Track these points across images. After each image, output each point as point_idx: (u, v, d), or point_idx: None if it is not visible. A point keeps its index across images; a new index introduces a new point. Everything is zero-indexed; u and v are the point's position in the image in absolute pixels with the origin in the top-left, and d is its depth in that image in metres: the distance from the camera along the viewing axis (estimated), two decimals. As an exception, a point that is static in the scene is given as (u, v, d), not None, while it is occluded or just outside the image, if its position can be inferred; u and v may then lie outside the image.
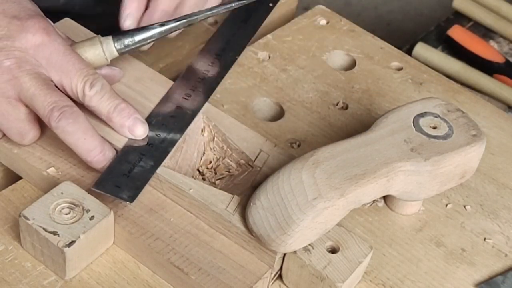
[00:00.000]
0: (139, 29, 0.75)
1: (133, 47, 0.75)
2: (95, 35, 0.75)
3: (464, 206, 0.80)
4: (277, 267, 0.69)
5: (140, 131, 0.72)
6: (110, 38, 0.74)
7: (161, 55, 0.90)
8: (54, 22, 0.76)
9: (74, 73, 0.70)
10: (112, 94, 0.71)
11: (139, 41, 0.75)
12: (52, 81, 0.70)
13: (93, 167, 0.71)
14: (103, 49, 0.73)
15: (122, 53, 0.75)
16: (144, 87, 0.78)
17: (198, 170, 0.75)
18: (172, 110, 0.76)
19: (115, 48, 0.74)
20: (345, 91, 0.91)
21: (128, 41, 0.74)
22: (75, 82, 0.70)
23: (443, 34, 1.25)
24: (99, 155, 0.70)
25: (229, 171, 0.75)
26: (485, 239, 0.78)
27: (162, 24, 0.75)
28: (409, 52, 1.17)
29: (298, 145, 0.83)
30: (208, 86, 0.81)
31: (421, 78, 0.94)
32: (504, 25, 1.25)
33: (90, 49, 0.73)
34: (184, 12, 0.79)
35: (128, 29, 0.77)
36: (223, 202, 0.70)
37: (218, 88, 0.87)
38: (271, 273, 0.69)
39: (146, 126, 0.73)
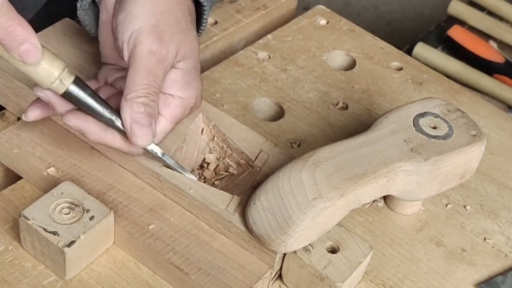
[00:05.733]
0: (104, 105, 0.67)
1: (78, 100, 0.66)
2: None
3: (464, 206, 0.80)
4: (277, 267, 0.69)
5: (34, 58, 0.62)
6: (73, 76, 0.65)
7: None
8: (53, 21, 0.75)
9: None
10: (4, 12, 0.60)
11: (91, 108, 0.66)
12: None
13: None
14: (59, 74, 0.64)
15: (66, 95, 0.65)
16: None
17: (198, 170, 0.75)
18: None
19: (68, 86, 0.65)
20: (345, 91, 0.91)
21: (80, 92, 0.65)
22: None
23: (443, 34, 1.25)
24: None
25: (229, 171, 0.75)
26: (485, 239, 0.78)
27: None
28: (409, 52, 1.17)
29: (298, 145, 0.83)
30: None
31: (421, 78, 0.94)
32: (500, 30, 1.25)
33: (48, 62, 0.63)
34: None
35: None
36: (223, 202, 0.70)
37: (218, 88, 0.87)
38: (271, 273, 0.69)
39: (39, 51, 0.62)
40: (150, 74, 0.67)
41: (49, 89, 0.65)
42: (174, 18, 0.71)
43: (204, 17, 0.77)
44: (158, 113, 0.69)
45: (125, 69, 0.74)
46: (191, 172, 0.73)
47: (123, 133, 0.67)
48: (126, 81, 0.67)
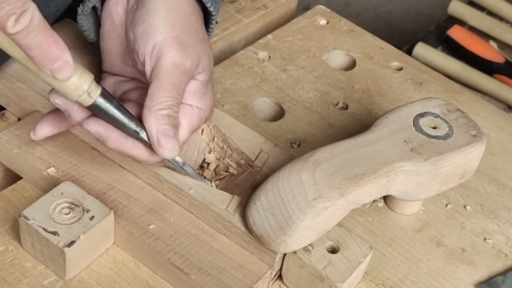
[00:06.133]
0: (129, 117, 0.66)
1: (104, 112, 0.65)
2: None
3: (464, 206, 0.80)
4: (277, 267, 0.69)
5: (65, 74, 0.62)
6: (99, 88, 0.65)
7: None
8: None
9: None
10: (40, 31, 0.59)
11: (117, 120, 0.65)
12: None
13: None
14: (88, 87, 0.64)
15: (93, 108, 0.65)
16: None
17: (198, 170, 0.75)
18: None
19: (95, 98, 0.64)
20: (345, 91, 0.91)
21: (107, 104, 0.65)
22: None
23: (443, 34, 1.25)
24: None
25: (229, 171, 0.75)
26: (485, 239, 0.78)
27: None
28: (409, 52, 1.17)
29: (298, 145, 0.83)
30: None
31: (421, 78, 0.94)
32: (500, 30, 1.25)
33: (78, 76, 0.63)
34: None
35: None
36: (223, 202, 0.70)
37: (218, 88, 0.87)
38: (271, 273, 0.69)
39: (71, 67, 0.62)
40: (174, 87, 0.67)
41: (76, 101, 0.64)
42: (193, 29, 0.70)
43: (211, 26, 0.77)
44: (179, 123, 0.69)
45: (134, 80, 0.74)
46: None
47: (146, 143, 0.67)
48: (149, 93, 0.67)
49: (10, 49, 0.60)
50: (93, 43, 0.78)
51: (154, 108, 0.66)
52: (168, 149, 0.66)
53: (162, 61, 0.67)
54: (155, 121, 0.66)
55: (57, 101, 0.65)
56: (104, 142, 0.66)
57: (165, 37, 0.68)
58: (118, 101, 0.66)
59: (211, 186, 0.72)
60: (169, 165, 0.71)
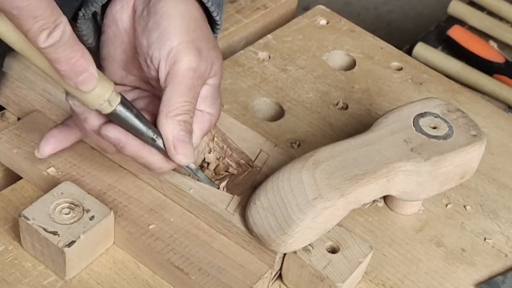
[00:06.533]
0: (144, 121, 0.66)
1: (123, 120, 0.65)
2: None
3: (464, 206, 0.80)
4: (277, 267, 0.69)
5: (90, 86, 0.62)
6: (119, 96, 0.65)
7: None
8: None
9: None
10: (70, 45, 0.59)
11: (135, 127, 0.65)
12: None
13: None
14: (109, 96, 0.64)
15: (112, 115, 0.65)
16: None
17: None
18: None
19: (115, 107, 0.64)
20: (345, 91, 0.91)
21: (126, 113, 0.65)
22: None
23: (443, 34, 1.25)
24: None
25: (229, 171, 0.75)
26: (485, 239, 0.78)
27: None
28: (409, 52, 1.17)
29: (298, 145, 0.83)
30: None
31: (421, 78, 0.94)
32: (500, 30, 1.25)
33: (100, 86, 0.63)
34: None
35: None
36: (223, 202, 0.70)
37: (218, 88, 0.87)
38: (271, 273, 0.69)
39: (95, 80, 0.62)
40: (190, 91, 0.67)
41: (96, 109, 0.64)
42: (205, 35, 0.70)
43: (215, 35, 0.77)
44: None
45: (136, 89, 0.74)
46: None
47: (161, 150, 0.66)
48: (164, 98, 0.66)
49: (35, 59, 0.60)
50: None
51: (170, 114, 0.66)
52: (184, 155, 0.66)
53: (179, 65, 0.67)
54: (171, 127, 0.66)
55: (75, 102, 0.65)
56: (123, 148, 0.66)
57: (181, 41, 0.68)
58: (137, 109, 0.66)
59: (223, 190, 0.71)
60: (181, 171, 0.71)
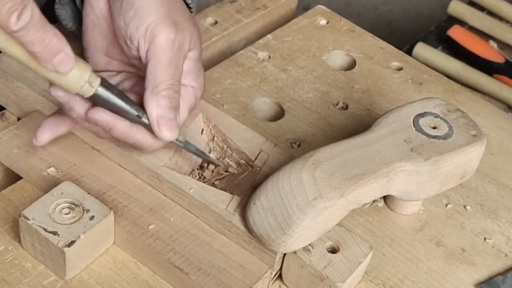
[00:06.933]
0: (125, 99, 0.67)
1: (106, 101, 0.66)
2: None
3: (464, 206, 0.80)
4: (277, 267, 0.69)
5: (67, 66, 0.62)
6: (99, 77, 0.65)
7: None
8: None
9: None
10: (41, 25, 0.60)
11: (119, 107, 0.66)
12: None
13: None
14: (88, 77, 0.64)
15: (94, 98, 0.65)
16: None
17: (198, 170, 0.75)
18: None
19: (96, 88, 0.65)
20: (345, 91, 0.91)
21: (108, 93, 0.65)
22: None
23: (443, 34, 1.25)
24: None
25: (229, 171, 0.75)
26: (485, 239, 0.78)
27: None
28: (409, 52, 1.17)
29: (298, 145, 0.83)
30: None
31: (421, 78, 0.94)
32: (500, 30, 1.25)
33: (78, 67, 0.63)
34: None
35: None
36: (223, 202, 0.70)
37: (218, 88, 0.87)
38: (271, 273, 0.69)
39: (72, 59, 0.62)
40: (172, 64, 0.67)
41: (77, 93, 0.65)
42: (180, 8, 0.71)
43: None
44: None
45: (121, 73, 0.74)
46: (191, 172, 0.73)
47: (148, 127, 0.68)
48: (147, 74, 0.67)
49: (10, 48, 0.60)
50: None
51: (155, 89, 0.66)
52: (168, 131, 0.67)
53: (157, 39, 0.68)
54: (155, 103, 0.66)
55: (59, 93, 0.66)
56: (112, 130, 0.67)
57: (156, 16, 0.68)
58: (118, 89, 0.67)
59: (219, 162, 0.73)
60: (173, 146, 0.71)
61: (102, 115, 0.66)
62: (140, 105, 0.67)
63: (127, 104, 0.67)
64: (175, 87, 0.68)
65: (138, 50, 0.69)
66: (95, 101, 0.66)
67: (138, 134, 0.68)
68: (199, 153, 0.73)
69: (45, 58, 0.61)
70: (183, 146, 0.71)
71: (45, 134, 0.70)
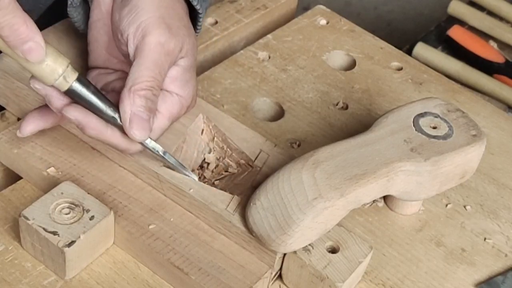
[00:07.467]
0: (101, 96, 0.66)
1: (81, 97, 0.65)
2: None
3: (464, 206, 0.80)
4: (277, 267, 0.69)
5: (37, 56, 0.62)
6: (76, 73, 0.65)
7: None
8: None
9: None
10: (11, 10, 0.60)
11: (94, 105, 0.66)
12: None
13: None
14: (63, 70, 0.64)
15: (69, 92, 0.65)
16: None
17: (198, 170, 0.75)
18: None
19: (71, 83, 0.64)
20: (345, 91, 0.91)
21: (83, 89, 0.65)
22: None
23: (443, 34, 1.25)
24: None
25: (229, 171, 0.75)
26: (485, 239, 0.78)
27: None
28: (409, 52, 1.17)
29: (298, 145, 0.83)
30: None
31: (421, 78, 0.94)
32: (500, 30, 1.25)
33: (53, 59, 0.63)
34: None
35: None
36: (223, 202, 0.70)
37: (218, 88, 0.87)
38: (271, 273, 0.69)
39: (42, 49, 0.62)
40: (156, 66, 0.67)
41: (52, 86, 0.65)
42: (177, 14, 0.71)
43: (199, 24, 0.77)
44: (156, 109, 0.69)
45: (118, 71, 0.74)
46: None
47: (123, 129, 0.67)
48: (130, 71, 0.67)
49: None
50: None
51: (133, 87, 0.66)
52: (138, 131, 0.66)
53: (146, 39, 0.67)
54: (131, 101, 0.66)
55: (37, 85, 0.66)
56: (84, 129, 0.66)
57: (150, 16, 0.68)
58: (96, 88, 0.66)
59: (196, 179, 0.71)
60: (151, 154, 0.70)
61: (75, 114, 0.66)
62: (118, 106, 0.67)
63: (103, 103, 0.66)
64: (154, 90, 0.67)
65: (127, 46, 0.68)
66: (71, 96, 0.66)
67: (112, 137, 0.67)
68: (179, 167, 0.70)
69: (13, 44, 0.61)
70: (159, 154, 0.69)
71: (29, 126, 0.70)
